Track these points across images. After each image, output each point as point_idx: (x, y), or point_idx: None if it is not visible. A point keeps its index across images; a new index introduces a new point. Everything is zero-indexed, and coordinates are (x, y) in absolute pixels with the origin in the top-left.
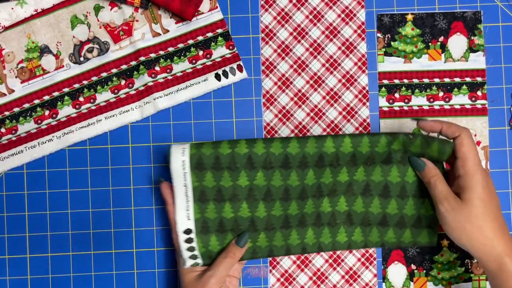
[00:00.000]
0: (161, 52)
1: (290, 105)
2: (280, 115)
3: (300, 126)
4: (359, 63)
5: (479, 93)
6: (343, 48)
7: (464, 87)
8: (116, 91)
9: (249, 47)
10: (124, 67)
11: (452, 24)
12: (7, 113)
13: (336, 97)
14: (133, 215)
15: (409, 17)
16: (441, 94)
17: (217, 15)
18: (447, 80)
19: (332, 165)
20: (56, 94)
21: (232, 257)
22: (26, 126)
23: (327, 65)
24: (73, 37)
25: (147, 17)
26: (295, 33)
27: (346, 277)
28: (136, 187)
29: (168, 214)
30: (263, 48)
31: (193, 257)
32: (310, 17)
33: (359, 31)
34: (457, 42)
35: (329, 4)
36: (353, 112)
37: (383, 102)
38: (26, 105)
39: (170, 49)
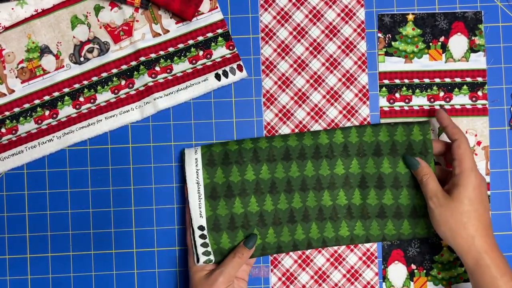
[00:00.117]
0: (161, 52)
1: (291, 105)
2: (280, 115)
3: (301, 126)
4: (359, 62)
5: (479, 93)
6: (343, 47)
7: (465, 87)
8: (116, 91)
9: (249, 47)
10: (124, 67)
11: (453, 24)
12: (7, 113)
13: (336, 96)
14: (133, 215)
15: (410, 17)
16: (441, 94)
17: (217, 15)
18: (447, 80)
19: (328, 157)
20: (56, 94)
21: (240, 257)
22: (27, 126)
23: (327, 64)
24: (73, 37)
25: (147, 17)
26: (295, 33)
27: (348, 275)
28: (136, 187)
29: (188, 213)
30: (263, 48)
31: (207, 253)
32: (310, 16)
33: (358, 30)
34: (458, 42)
35: (329, 3)
36: (353, 111)
37: (383, 102)
38: (27, 105)
39: (170, 49)
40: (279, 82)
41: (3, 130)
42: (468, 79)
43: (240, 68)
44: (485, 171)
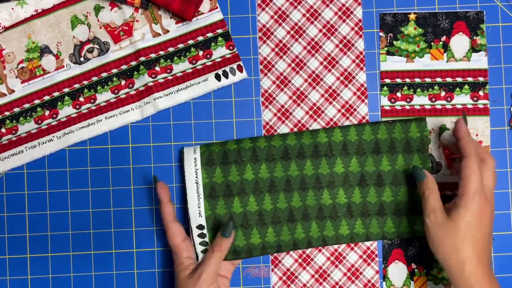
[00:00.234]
0: (161, 52)
1: (289, 104)
2: (279, 114)
3: (299, 125)
4: (357, 61)
5: (481, 93)
6: (340, 45)
7: (466, 87)
8: (116, 91)
9: (248, 47)
10: (124, 67)
11: (455, 24)
12: (7, 113)
13: (335, 95)
14: (133, 215)
15: (412, 16)
16: (443, 93)
17: (217, 15)
18: (449, 79)
19: (327, 155)
20: (56, 94)
21: (219, 249)
22: (27, 126)
23: (325, 63)
24: (74, 37)
25: (147, 18)
26: (292, 32)
27: (348, 274)
28: (136, 187)
29: (162, 214)
30: (260, 48)
31: (205, 252)
32: (307, 15)
33: (356, 29)
34: (460, 42)
35: (326, 2)
36: (352, 110)
37: (385, 101)
38: (26, 105)
39: (170, 49)
40: (277, 82)
41: (3, 130)
42: (470, 79)
43: (240, 68)
44: None
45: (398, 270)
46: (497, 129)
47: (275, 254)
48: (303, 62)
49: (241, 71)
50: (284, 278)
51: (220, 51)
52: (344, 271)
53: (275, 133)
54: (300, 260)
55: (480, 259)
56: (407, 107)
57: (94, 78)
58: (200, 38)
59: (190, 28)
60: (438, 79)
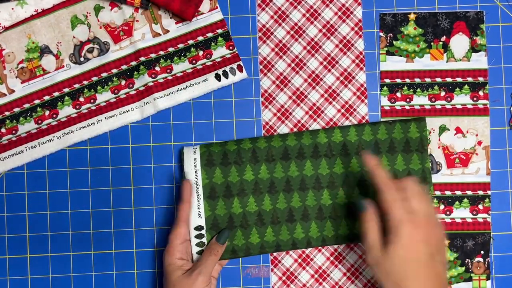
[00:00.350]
0: (161, 52)
1: (289, 104)
2: (279, 114)
3: (299, 125)
4: (357, 61)
5: (480, 93)
6: (340, 45)
7: (466, 87)
8: (116, 91)
9: (248, 47)
10: (124, 67)
11: (455, 24)
12: (7, 113)
13: (335, 95)
14: (133, 215)
15: (412, 16)
16: (443, 93)
17: (217, 15)
18: (449, 79)
19: (327, 156)
20: (56, 94)
21: (216, 254)
22: (27, 126)
23: (324, 63)
24: (74, 37)
25: (147, 18)
26: (292, 32)
27: (348, 274)
28: (136, 187)
29: (177, 211)
30: (260, 48)
31: (200, 253)
32: (307, 15)
33: (356, 29)
34: (459, 42)
35: (326, 2)
36: (351, 110)
37: (384, 101)
38: (27, 105)
39: (170, 49)
40: (277, 82)
41: (3, 130)
42: (470, 79)
43: (240, 68)
44: (486, 171)
45: None
46: (497, 129)
47: (274, 254)
48: (303, 62)
49: (241, 71)
50: (284, 278)
51: (220, 51)
52: (344, 271)
53: (275, 133)
54: (299, 260)
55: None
56: (407, 107)
57: (94, 78)
58: (200, 38)
59: (190, 28)
60: (438, 79)
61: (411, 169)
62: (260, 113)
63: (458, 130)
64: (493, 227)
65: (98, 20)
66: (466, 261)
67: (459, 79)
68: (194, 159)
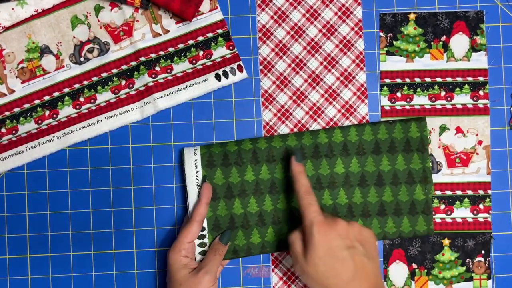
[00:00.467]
0: (161, 53)
1: (289, 104)
2: (279, 114)
3: (299, 125)
4: (357, 61)
5: (481, 92)
6: (340, 46)
7: (466, 86)
8: (116, 91)
9: (248, 47)
10: (124, 67)
11: (455, 23)
12: (7, 113)
13: (335, 95)
14: (133, 215)
15: (412, 16)
16: (443, 93)
17: (217, 16)
18: (449, 79)
19: (327, 156)
20: (56, 94)
21: (220, 254)
22: (27, 126)
23: (325, 63)
24: (74, 37)
25: (147, 18)
26: (292, 32)
27: None
28: (136, 187)
29: (193, 211)
30: (260, 48)
31: (203, 253)
32: (307, 15)
33: (356, 29)
34: (459, 42)
35: (326, 2)
36: (352, 110)
37: (385, 101)
38: (27, 105)
39: (171, 49)
40: (277, 82)
41: (3, 130)
42: (470, 79)
43: (240, 68)
44: (487, 171)
45: (399, 270)
46: (497, 129)
47: (275, 254)
48: (303, 62)
49: (241, 71)
50: (285, 278)
51: (220, 51)
52: None
53: (275, 133)
54: None
55: (352, 287)
56: (407, 107)
57: (94, 78)
58: (200, 38)
59: (190, 28)
60: (438, 79)
61: (411, 169)
62: (260, 113)
63: (458, 130)
64: (494, 227)
65: (98, 20)
66: (467, 261)
67: (459, 79)
68: (195, 160)
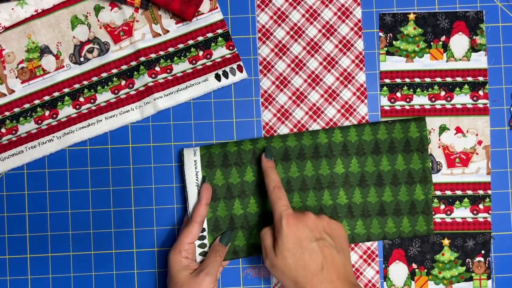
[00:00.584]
0: (161, 53)
1: (289, 104)
2: (278, 114)
3: (299, 125)
4: (357, 61)
5: (480, 92)
6: (340, 46)
7: (466, 86)
8: (116, 91)
9: (247, 47)
10: (124, 67)
11: (454, 23)
12: (7, 113)
13: (334, 95)
14: (133, 215)
15: (411, 16)
16: (442, 93)
17: (217, 16)
18: (449, 79)
19: (327, 156)
20: (56, 94)
21: (221, 255)
22: (27, 126)
23: (324, 63)
24: (74, 37)
25: (147, 18)
26: (292, 32)
27: None
28: (136, 187)
29: (194, 212)
30: (260, 48)
31: (203, 254)
32: (307, 15)
33: (355, 29)
34: (459, 42)
35: (325, 2)
36: (351, 110)
37: (384, 101)
38: (27, 106)
39: (170, 49)
40: (277, 82)
41: (3, 130)
42: (469, 79)
43: (240, 68)
44: (486, 171)
45: (399, 270)
46: (497, 129)
47: None
48: (302, 62)
49: (241, 71)
50: None
51: (220, 51)
52: None
53: (275, 134)
54: None
55: (321, 279)
56: (407, 107)
57: (94, 78)
58: (200, 38)
59: (190, 28)
60: (438, 79)
61: (411, 168)
62: (260, 113)
63: (458, 130)
64: (494, 227)
65: (98, 20)
66: (466, 261)
67: (459, 79)
68: (195, 161)
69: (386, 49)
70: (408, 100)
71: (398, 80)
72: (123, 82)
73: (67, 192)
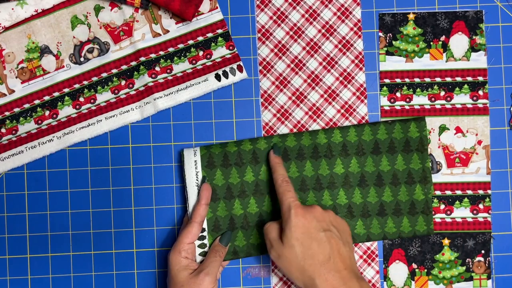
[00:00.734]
0: (161, 53)
1: (288, 104)
2: (278, 115)
3: (299, 125)
4: (356, 61)
5: (480, 92)
6: (339, 46)
7: (466, 86)
8: (116, 91)
9: (247, 47)
10: (124, 67)
11: (454, 23)
12: (7, 113)
13: (334, 95)
14: (133, 215)
15: (411, 16)
16: (442, 93)
17: (217, 16)
18: (448, 79)
19: (327, 156)
20: (56, 94)
21: (221, 255)
22: (27, 126)
23: (324, 63)
24: (74, 37)
25: (147, 18)
26: (291, 32)
27: None
28: (136, 187)
29: (193, 212)
30: (260, 48)
31: (203, 254)
32: (306, 16)
33: (355, 29)
34: (459, 42)
35: (325, 3)
36: (351, 110)
37: (384, 101)
38: (27, 106)
39: (170, 49)
40: (277, 82)
41: (3, 130)
42: (469, 78)
43: (240, 68)
44: (486, 170)
45: (399, 270)
46: (497, 129)
47: None
48: (302, 62)
49: (241, 71)
50: (285, 278)
51: (220, 51)
52: None
53: (275, 134)
54: None
55: (328, 269)
56: (407, 107)
57: (94, 78)
58: (200, 38)
59: (190, 28)
60: (438, 79)
61: (411, 168)
62: (260, 113)
63: (458, 130)
64: (494, 227)
65: (98, 20)
66: (466, 261)
67: (458, 79)
68: (195, 161)
69: (385, 49)
70: (408, 100)
71: (398, 80)
72: (123, 82)
73: (67, 192)
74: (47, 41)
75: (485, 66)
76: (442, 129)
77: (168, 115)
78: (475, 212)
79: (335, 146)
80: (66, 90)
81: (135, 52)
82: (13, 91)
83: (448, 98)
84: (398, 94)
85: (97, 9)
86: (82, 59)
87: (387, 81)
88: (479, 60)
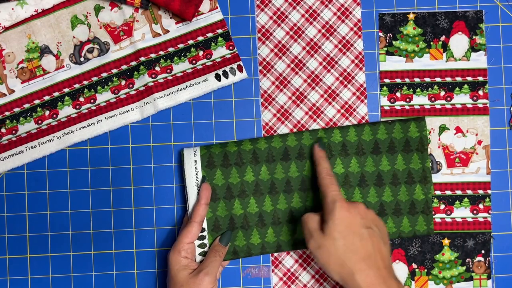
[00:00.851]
0: (161, 53)
1: (288, 104)
2: (278, 115)
3: (299, 125)
4: (356, 61)
5: (480, 92)
6: (339, 46)
7: (466, 86)
8: (116, 91)
9: (247, 47)
10: (124, 67)
11: (454, 23)
12: (7, 113)
13: (334, 95)
14: (133, 215)
15: (411, 16)
16: (442, 93)
17: (217, 16)
18: (448, 79)
19: (327, 156)
20: (56, 94)
21: (220, 255)
22: (27, 126)
23: (324, 63)
24: (74, 37)
25: (147, 18)
26: (291, 32)
27: None
28: (136, 187)
29: (193, 211)
30: (260, 48)
31: (203, 254)
32: (306, 16)
33: (355, 29)
34: (459, 42)
35: (325, 3)
36: (351, 110)
37: (384, 101)
38: (27, 105)
39: (170, 49)
40: (277, 82)
41: (3, 130)
42: (469, 78)
43: (240, 68)
44: (486, 170)
45: (399, 270)
46: (497, 129)
47: (275, 255)
48: (302, 62)
49: (241, 71)
50: (285, 278)
51: (220, 51)
52: None
53: (275, 134)
54: (300, 261)
55: (369, 265)
56: (407, 107)
57: (94, 78)
58: (200, 38)
59: (190, 28)
60: (438, 79)
61: (411, 168)
62: (260, 113)
63: (458, 130)
64: (494, 227)
65: (98, 20)
66: (466, 261)
67: (458, 79)
68: (195, 161)
69: (385, 49)
70: (407, 100)
71: (398, 80)
72: (123, 82)
73: (67, 192)
74: (47, 41)
75: (485, 66)
76: (442, 129)
77: (168, 115)
78: (475, 212)
79: (335, 146)
80: (66, 90)
81: (135, 52)
82: (13, 91)
83: (448, 98)
84: (398, 94)
85: (97, 9)
86: (82, 59)
87: (387, 81)
88: (479, 60)
